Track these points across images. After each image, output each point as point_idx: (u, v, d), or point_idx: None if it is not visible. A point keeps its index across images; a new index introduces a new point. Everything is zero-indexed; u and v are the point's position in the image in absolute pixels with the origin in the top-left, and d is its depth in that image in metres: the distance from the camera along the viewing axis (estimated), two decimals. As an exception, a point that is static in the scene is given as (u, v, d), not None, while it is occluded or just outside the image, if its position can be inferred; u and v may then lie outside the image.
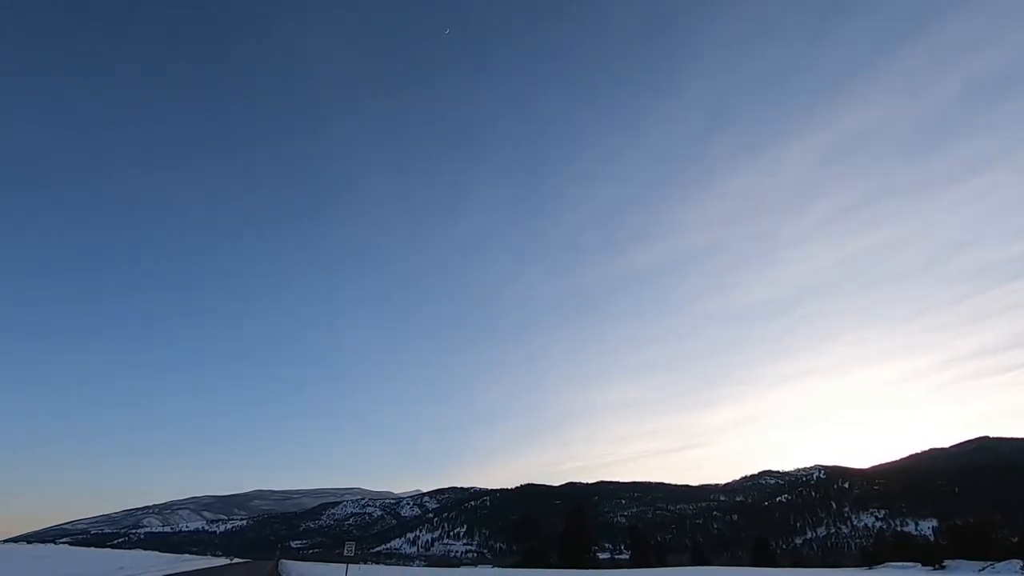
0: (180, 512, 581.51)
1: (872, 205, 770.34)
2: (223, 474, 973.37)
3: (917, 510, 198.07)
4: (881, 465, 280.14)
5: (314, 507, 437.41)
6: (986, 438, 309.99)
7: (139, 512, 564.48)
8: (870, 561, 59.07)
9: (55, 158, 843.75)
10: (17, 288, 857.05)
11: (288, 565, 69.45)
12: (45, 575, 30.21)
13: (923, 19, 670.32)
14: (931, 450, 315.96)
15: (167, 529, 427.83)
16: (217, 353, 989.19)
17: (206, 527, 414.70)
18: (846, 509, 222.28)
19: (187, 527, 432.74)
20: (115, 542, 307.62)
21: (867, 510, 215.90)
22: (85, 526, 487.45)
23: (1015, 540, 53.72)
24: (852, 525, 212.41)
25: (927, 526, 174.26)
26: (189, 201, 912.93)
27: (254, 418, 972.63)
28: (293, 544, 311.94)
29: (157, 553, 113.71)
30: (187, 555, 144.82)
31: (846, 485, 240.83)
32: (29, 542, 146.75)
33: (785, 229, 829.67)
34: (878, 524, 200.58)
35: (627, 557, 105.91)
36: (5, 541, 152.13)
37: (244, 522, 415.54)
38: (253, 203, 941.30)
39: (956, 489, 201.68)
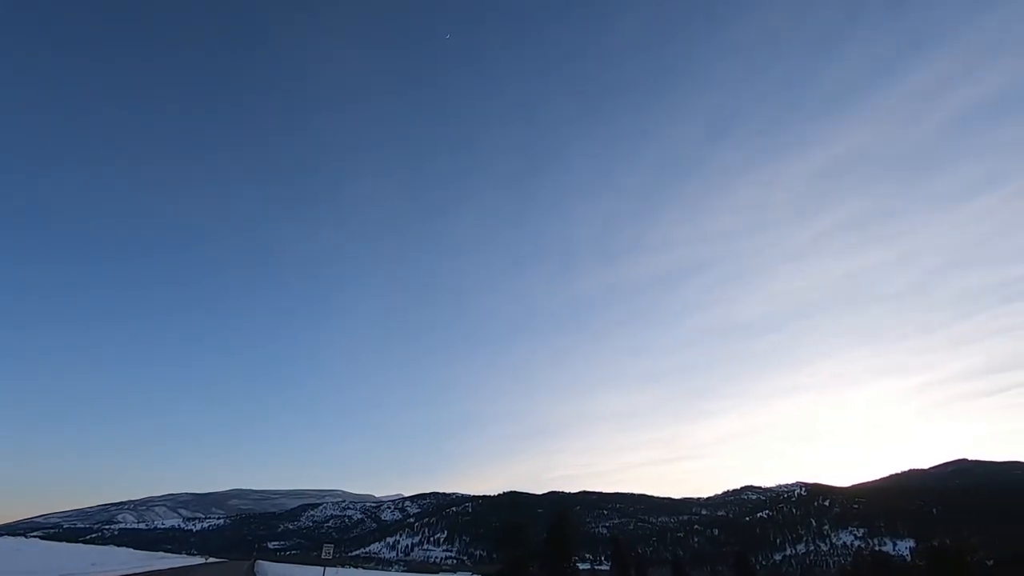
0: (156, 509, 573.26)
1: (866, 225, 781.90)
2: (201, 472, 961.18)
3: (895, 530, 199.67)
4: (862, 484, 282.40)
5: (293, 508, 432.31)
6: (964, 460, 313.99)
7: (113, 508, 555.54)
8: (848, 580, 59.44)
9: (37, 147, 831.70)
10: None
11: (265, 566, 68.51)
12: (17, 569, 29.60)
13: (921, 44, 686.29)
14: (911, 470, 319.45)
15: (142, 526, 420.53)
16: (200, 349, 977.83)
17: (182, 525, 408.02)
18: (826, 527, 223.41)
19: (163, 524, 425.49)
20: (88, 538, 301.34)
21: (846, 528, 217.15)
22: (58, 520, 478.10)
23: (990, 563, 54.38)
24: (831, 543, 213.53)
25: (904, 546, 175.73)
26: (179, 196, 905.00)
27: (234, 416, 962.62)
28: (271, 545, 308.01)
29: (131, 550, 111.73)
30: (162, 553, 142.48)
31: (826, 503, 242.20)
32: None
33: (782, 245, 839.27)
34: (856, 542, 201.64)
35: (607, 568, 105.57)
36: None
37: (221, 521, 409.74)
38: (244, 199, 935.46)
39: (934, 510, 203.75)
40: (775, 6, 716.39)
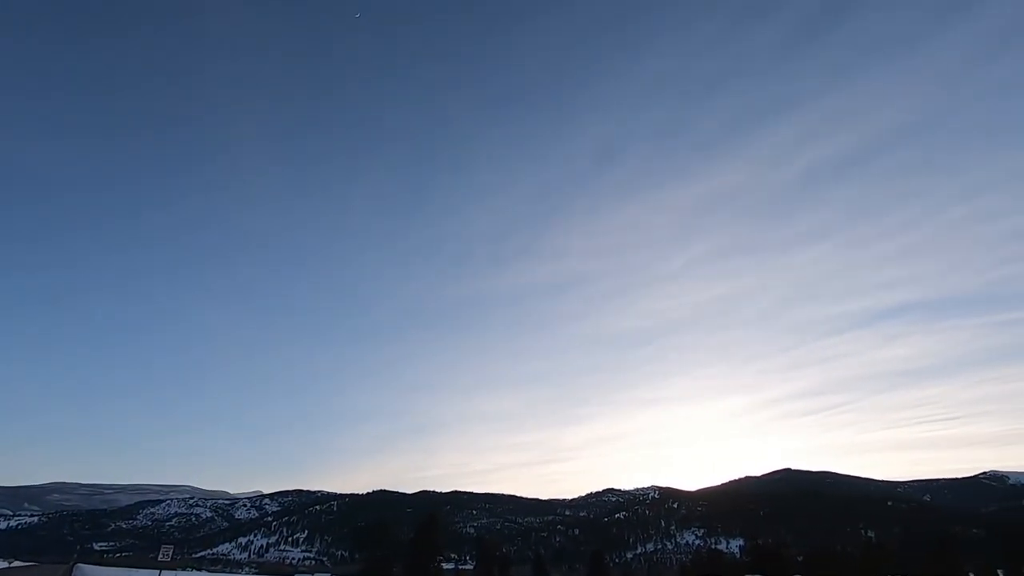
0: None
1: (726, 257, 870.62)
2: (11, 462, 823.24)
3: (729, 530, 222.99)
4: (705, 488, 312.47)
5: (129, 505, 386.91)
6: (789, 470, 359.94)
7: None
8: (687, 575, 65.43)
9: None
10: None
11: (85, 570, 61.00)
12: None
13: (791, 101, 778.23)
14: (745, 477, 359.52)
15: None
16: (20, 316, 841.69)
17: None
18: (673, 527, 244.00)
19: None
20: None
21: (690, 528, 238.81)
22: None
23: (800, 559, 62.84)
24: (676, 542, 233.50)
25: (736, 545, 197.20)
26: (56, 183, 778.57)
27: (60, 399, 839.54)
28: (97, 546, 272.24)
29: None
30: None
31: (675, 505, 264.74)
32: None
33: (658, 266, 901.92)
34: (697, 542, 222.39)
35: (471, 567, 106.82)
36: None
37: (35, 519, 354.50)
38: (121, 182, 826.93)
39: (762, 513, 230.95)
40: (670, 51, 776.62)
